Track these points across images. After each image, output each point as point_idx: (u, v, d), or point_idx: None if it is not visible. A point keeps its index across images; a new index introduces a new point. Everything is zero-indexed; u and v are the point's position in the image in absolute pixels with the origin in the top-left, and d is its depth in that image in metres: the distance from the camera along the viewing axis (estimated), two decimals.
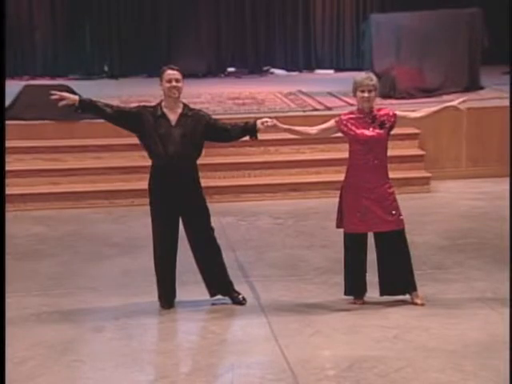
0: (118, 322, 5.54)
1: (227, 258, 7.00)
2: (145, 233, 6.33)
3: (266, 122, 5.60)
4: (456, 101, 5.76)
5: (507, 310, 5.45)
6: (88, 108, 5.60)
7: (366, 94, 5.52)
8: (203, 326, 5.58)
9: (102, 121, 5.82)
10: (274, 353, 5.07)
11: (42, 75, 13.29)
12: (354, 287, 5.76)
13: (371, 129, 5.57)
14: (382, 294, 5.74)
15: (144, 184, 5.79)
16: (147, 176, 5.72)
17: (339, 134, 5.75)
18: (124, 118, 5.62)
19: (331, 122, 5.68)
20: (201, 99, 11.00)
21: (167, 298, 5.77)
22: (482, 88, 10.78)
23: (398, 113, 5.69)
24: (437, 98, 10.11)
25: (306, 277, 6.44)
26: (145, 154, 5.78)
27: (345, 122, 5.61)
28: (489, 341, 5.13)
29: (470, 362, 4.86)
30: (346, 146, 5.74)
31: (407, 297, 5.74)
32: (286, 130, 5.75)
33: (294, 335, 5.28)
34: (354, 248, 5.70)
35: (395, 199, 5.68)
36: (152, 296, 5.82)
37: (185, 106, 5.64)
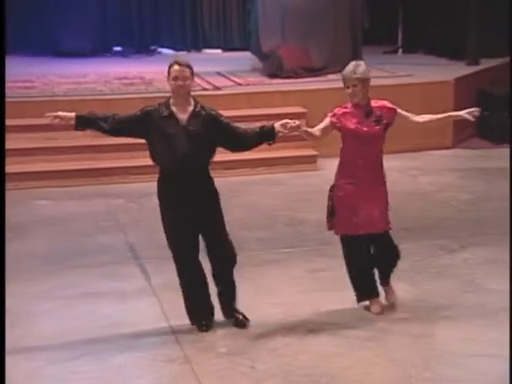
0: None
1: (117, 240, 6.96)
2: None
3: (288, 123, 4.95)
4: (463, 111, 5.28)
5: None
6: (87, 124, 5.02)
7: (349, 90, 5.09)
8: (92, 308, 5.51)
9: None
10: (165, 334, 5.09)
11: None
12: (365, 289, 5.36)
13: (365, 124, 5.12)
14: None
15: None
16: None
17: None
18: (127, 128, 5.02)
19: (326, 120, 5.21)
20: (86, 79, 10.78)
21: (205, 314, 5.16)
22: None
23: (399, 111, 5.24)
24: (322, 77, 10.30)
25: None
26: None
27: (338, 117, 5.16)
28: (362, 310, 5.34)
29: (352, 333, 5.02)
30: None
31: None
32: (304, 132, 5.18)
33: (186, 316, 5.28)
34: (350, 250, 5.31)
35: (387, 200, 5.27)
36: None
37: (196, 102, 4.99)
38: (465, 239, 6.81)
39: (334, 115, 5.18)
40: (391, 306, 5.41)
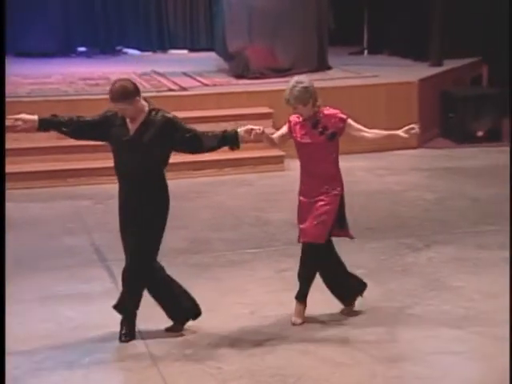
0: None
1: (83, 241, 6.91)
2: None
3: (252, 129, 4.89)
4: (401, 130, 5.19)
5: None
6: (50, 126, 4.99)
7: (295, 111, 5.12)
8: (57, 311, 5.47)
9: None
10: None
11: None
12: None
13: (310, 134, 5.10)
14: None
15: None
16: None
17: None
18: (88, 132, 5.01)
19: (284, 127, 5.22)
20: (51, 79, 10.71)
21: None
22: (329, 68, 11.11)
23: (350, 121, 5.15)
24: (289, 77, 10.30)
25: (164, 258, 6.43)
26: None
27: (291, 126, 5.17)
28: (340, 308, 5.37)
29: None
30: None
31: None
32: (267, 139, 5.15)
33: (153, 318, 5.27)
34: (303, 256, 5.23)
35: (327, 212, 5.11)
36: None
37: (150, 111, 4.91)
38: (430, 238, 6.88)
39: (289, 122, 5.20)
40: (355, 305, 5.44)
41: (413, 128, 5.17)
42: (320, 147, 5.10)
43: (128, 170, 4.92)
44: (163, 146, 4.92)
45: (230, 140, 4.95)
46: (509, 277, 5.65)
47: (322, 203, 5.11)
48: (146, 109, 4.93)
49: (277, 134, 5.27)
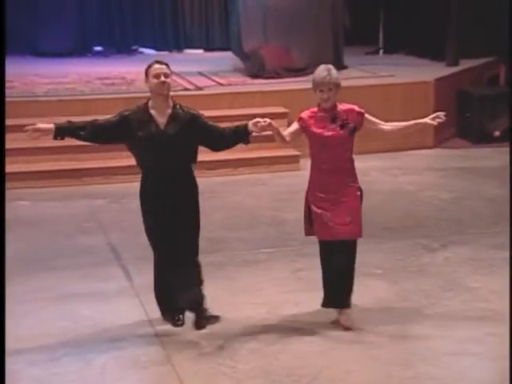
0: None
1: (99, 240, 6.93)
2: None
3: (259, 122, 4.87)
4: (428, 118, 5.17)
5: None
6: (66, 133, 4.99)
7: (325, 96, 5.00)
8: (73, 310, 5.48)
9: None
10: (147, 334, 5.08)
11: None
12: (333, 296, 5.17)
13: (330, 128, 5.03)
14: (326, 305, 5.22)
15: None
16: None
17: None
18: (105, 135, 5.00)
19: (295, 124, 5.13)
20: (67, 79, 10.74)
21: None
22: (345, 67, 11.08)
23: (367, 115, 5.12)
24: (304, 77, 10.32)
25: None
26: None
27: (305, 121, 5.08)
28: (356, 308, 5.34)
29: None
30: None
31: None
32: (275, 132, 5.01)
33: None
34: (326, 255, 5.15)
35: (353, 208, 5.08)
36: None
37: (175, 103, 4.97)
38: (445, 238, 6.85)
39: (300, 119, 5.11)
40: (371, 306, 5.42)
41: (439, 117, 5.14)
42: (340, 141, 5.05)
43: (163, 164, 4.90)
44: (190, 140, 4.94)
45: (242, 135, 4.98)
46: (509, 277, 5.62)
47: (347, 198, 5.06)
48: (171, 103, 4.96)
49: (288, 131, 5.18)
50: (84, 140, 5.05)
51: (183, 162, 4.98)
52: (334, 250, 5.09)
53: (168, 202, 4.93)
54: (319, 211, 5.10)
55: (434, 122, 5.15)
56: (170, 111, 4.93)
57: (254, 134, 4.96)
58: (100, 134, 5.01)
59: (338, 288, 5.12)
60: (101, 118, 5.16)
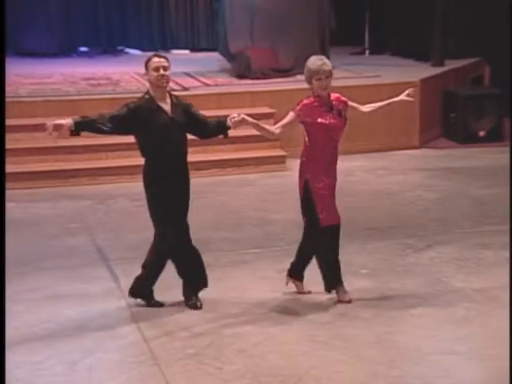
0: None
1: (85, 242, 6.92)
2: None
3: (234, 117, 5.14)
4: (401, 95, 5.56)
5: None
6: (84, 128, 5.13)
7: (324, 83, 5.20)
8: (59, 311, 5.48)
9: None
10: (133, 335, 5.07)
11: None
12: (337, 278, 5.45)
13: (330, 116, 5.27)
14: (328, 288, 5.48)
15: None
16: None
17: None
18: (122, 126, 5.17)
19: (290, 115, 5.26)
20: (52, 79, 10.71)
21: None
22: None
23: (349, 103, 5.42)
24: (291, 77, 10.34)
25: None
26: None
27: (304, 111, 5.23)
28: (342, 308, 5.37)
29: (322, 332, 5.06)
30: None
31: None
32: (253, 126, 5.22)
33: (155, 317, 5.29)
34: (332, 240, 5.37)
35: None
36: None
37: (170, 94, 5.29)
38: (431, 238, 6.88)
39: (301, 109, 5.23)
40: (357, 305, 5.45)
41: (411, 90, 5.54)
42: (340, 128, 5.32)
43: (173, 147, 5.19)
44: (187, 126, 5.27)
45: (222, 128, 5.32)
46: (509, 276, 5.65)
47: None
48: (167, 94, 5.26)
49: (281, 123, 5.30)
50: (103, 133, 5.21)
51: (185, 145, 5.30)
52: (337, 233, 5.36)
53: (175, 180, 5.23)
54: (328, 197, 5.30)
55: (410, 98, 5.50)
56: (169, 100, 5.23)
57: (232, 128, 5.24)
58: (119, 126, 5.17)
59: (337, 268, 5.40)
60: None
